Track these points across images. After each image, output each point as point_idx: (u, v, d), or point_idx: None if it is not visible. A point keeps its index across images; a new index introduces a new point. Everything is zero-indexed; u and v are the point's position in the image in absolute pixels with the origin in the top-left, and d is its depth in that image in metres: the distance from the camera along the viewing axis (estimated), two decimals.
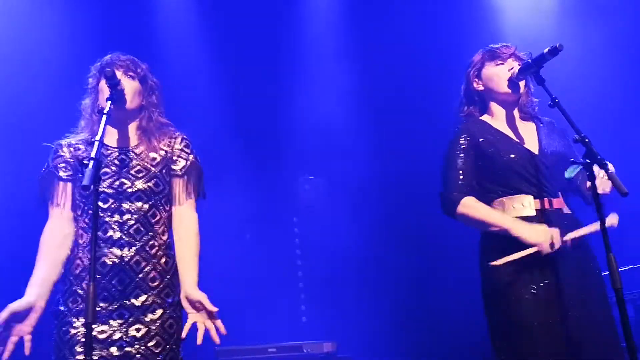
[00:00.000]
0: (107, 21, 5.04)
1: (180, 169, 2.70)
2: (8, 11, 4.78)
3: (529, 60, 2.67)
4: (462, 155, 2.78)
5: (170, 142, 2.72)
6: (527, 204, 2.69)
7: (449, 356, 4.89)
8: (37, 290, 2.47)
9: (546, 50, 2.54)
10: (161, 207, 2.64)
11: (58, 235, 2.58)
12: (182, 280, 2.59)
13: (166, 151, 2.70)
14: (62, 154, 2.66)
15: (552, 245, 2.54)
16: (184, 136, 2.77)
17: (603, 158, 2.36)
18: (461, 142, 2.81)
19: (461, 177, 2.75)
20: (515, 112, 2.90)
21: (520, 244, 2.59)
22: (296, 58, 5.63)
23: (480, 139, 2.80)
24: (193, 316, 2.53)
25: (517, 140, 2.80)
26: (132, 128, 2.72)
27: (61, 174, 2.64)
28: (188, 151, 2.74)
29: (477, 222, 2.70)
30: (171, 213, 2.69)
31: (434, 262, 5.17)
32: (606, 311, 2.63)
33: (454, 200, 2.73)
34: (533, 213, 2.68)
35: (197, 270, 2.60)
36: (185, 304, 2.56)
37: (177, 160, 2.70)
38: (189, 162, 2.72)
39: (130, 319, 2.49)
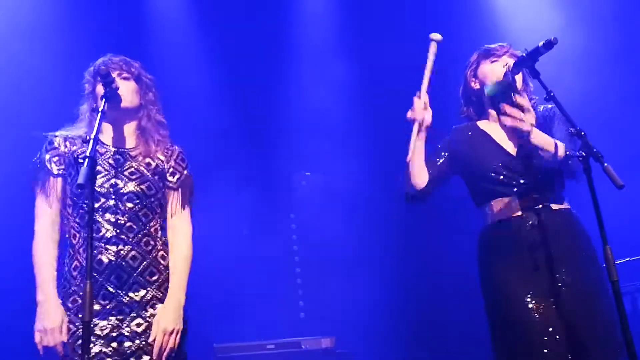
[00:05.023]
0: (101, 19, 5.02)
1: (175, 182, 2.73)
2: (1, 10, 4.76)
3: (524, 54, 2.67)
4: (436, 152, 2.97)
5: (167, 152, 2.75)
6: (514, 205, 2.70)
7: (447, 352, 4.89)
8: (60, 309, 2.48)
9: (541, 43, 2.52)
10: (153, 210, 2.65)
11: (52, 239, 2.56)
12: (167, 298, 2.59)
13: (162, 160, 2.73)
14: (57, 146, 2.63)
15: None
16: (180, 150, 2.81)
17: (599, 151, 2.35)
18: (440, 145, 2.99)
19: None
20: None
21: (515, 246, 2.64)
22: (293, 54, 5.62)
23: (462, 147, 2.89)
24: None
25: (501, 144, 2.81)
26: (129, 128, 2.73)
27: (53, 167, 2.60)
28: (184, 165, 2.78)
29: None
30: (165, 217, 2.71)
31: (432, 257, 5.17)
32: (611, 315, 2.54)
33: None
34: (519, 213, 2.69)
35: (184, 288, 2.60)
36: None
37: (172, 172, 2.73)
38: (183, 176, 2.75)
39: (131, 315, 2.50)
